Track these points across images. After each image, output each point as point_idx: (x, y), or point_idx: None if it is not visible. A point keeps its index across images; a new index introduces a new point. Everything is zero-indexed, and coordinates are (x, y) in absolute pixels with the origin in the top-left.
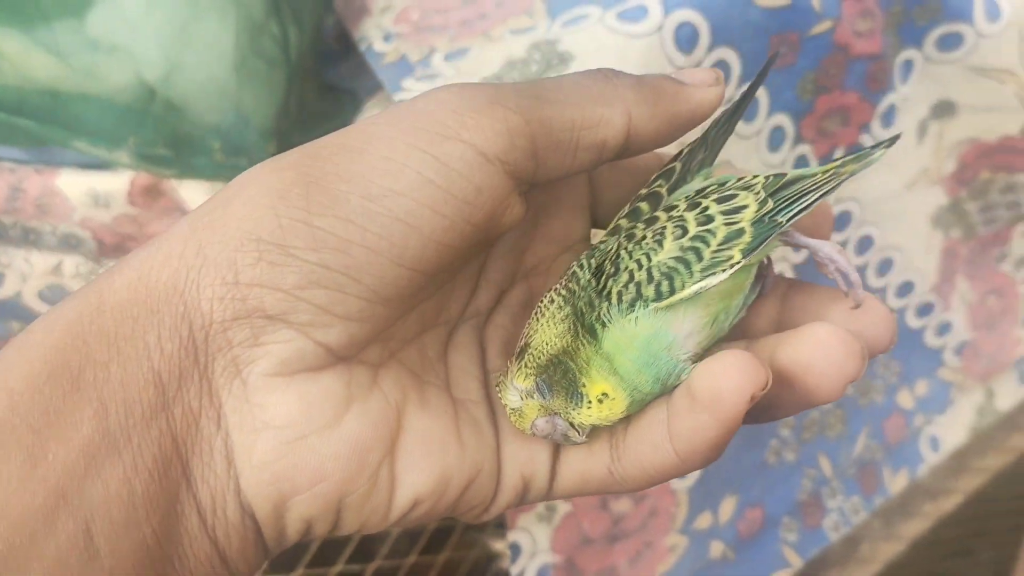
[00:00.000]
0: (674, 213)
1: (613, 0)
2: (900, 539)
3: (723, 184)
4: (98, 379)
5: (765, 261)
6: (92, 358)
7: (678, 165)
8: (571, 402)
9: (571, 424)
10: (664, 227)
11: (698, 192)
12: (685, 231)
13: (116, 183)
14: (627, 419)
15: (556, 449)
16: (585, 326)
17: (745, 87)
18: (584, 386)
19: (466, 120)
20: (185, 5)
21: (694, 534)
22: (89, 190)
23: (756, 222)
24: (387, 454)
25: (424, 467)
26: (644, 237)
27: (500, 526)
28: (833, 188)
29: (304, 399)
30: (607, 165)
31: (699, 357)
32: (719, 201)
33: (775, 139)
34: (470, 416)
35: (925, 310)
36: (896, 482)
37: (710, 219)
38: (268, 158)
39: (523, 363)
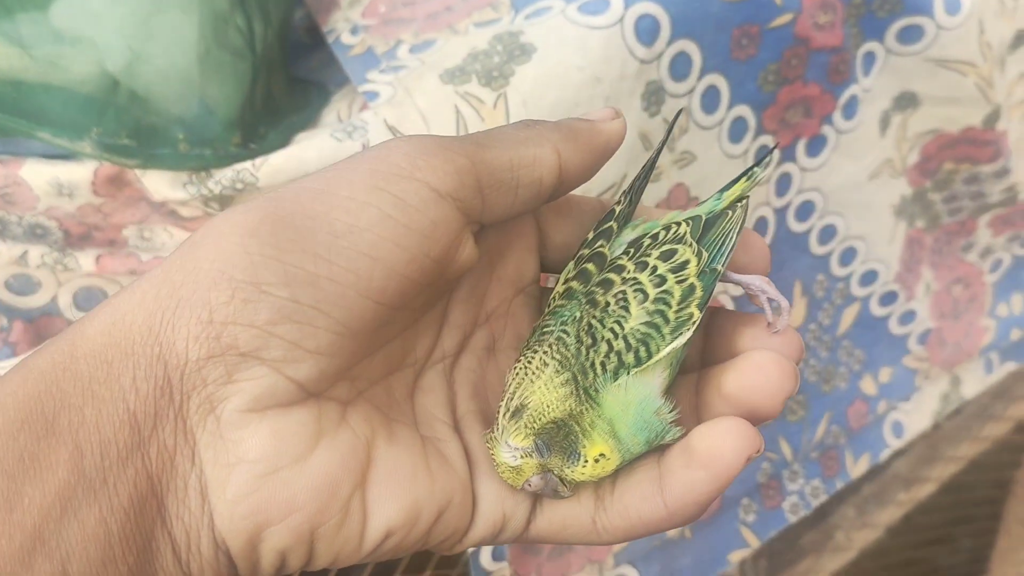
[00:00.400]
0: (626, 275)
1: None
2: (875, 527)
3: (654, 236)
4: (73, 423)
5: None
6: (67, 403)
7: (615, 225)
8: (568, 461)
9: (561, 480)
10: (624, 292)
11: (633, 245)
12: (646, 295)
13: (80, 173)
14: (614, 475)
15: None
16: (585, 391)
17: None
18: (584, 447)
19: (419, 162)
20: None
21: None
22: (53, 180)
23: (701, 275)
24: (358, 486)
25: (395, 497)
26: (608, 304)
27: None
28: (743, 219)
29: (276, 434)
30: (552, 210)
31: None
32: (663, 258)
33: (736, 130)
34: (439, 452)
35: (889, 299)
36: (858, 466)
37: (663, 279)
38: (233, 149)
39: (522, 423)
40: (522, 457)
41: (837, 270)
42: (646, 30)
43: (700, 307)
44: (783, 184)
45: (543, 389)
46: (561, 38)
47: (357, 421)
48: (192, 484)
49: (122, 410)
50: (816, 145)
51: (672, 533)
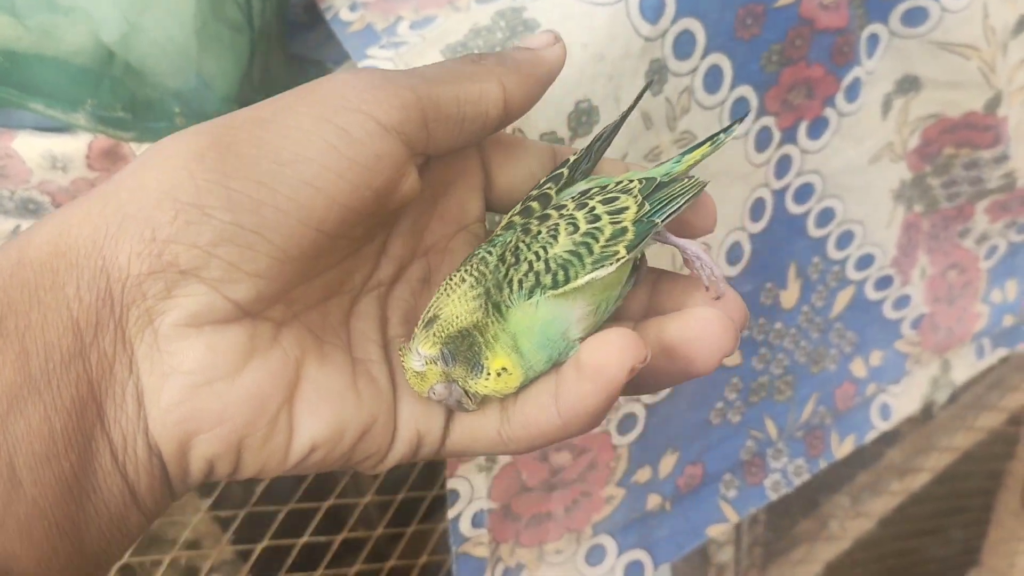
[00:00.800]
0: (564, 211)
1: None
2: (869, 516)
3: (604, 187)
4: (19, 326)
5: (640, 256)
6: (14, 307)
7: (566, 171)
8: (471, 372)
9: (466, 392)
10: (557, 224)
11: (582, 193)
12: (576, 228)
13: (74, 146)
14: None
15: (450, 410)
16: (495, 305)
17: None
18: (487, 359)
19: (365, 95)
20: None
21: (632, 487)
22: (46, 152)
23: (637, 222)
24: (285, 403)
25: (321, 415)
26: (540, 232)
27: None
28: (699, 186)
29: (210, 348)
30: (500, 152)
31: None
32: (604, 203)
33: (738, 110)
34: (368, 373)
35: (884, 283)
36: (843, 447)
37: (597, 218)
38: None
39: (431, 332)
40: (427, 364)
41: (834, 253)
42: (651, 7)
43: (628, 248)
44: (783, 166)
45: (455, 302)
46: (565, 14)
47: (289, 341)
48: (129, 391)
49: (66, 317)
50: (818, 127)
51: (651, 506)
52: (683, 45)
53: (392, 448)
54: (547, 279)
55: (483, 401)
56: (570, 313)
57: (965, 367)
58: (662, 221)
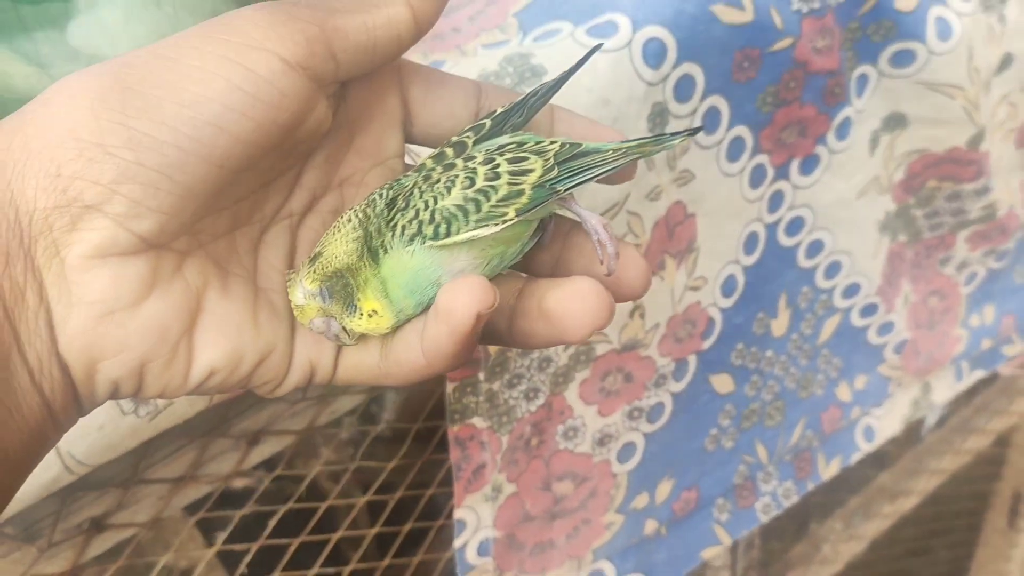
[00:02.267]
0: (469, 164)
1: (584, 16)
2: (861, 539)
3: (522, 144)
4: None
5: (549, 216)
6: None
7: (488, 122)
8: (346, 311)
9: (344, 328)
10: (456, 176)
11: (499, 147)
12: (473, 183)
13: None
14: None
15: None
16: (371, 250)
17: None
18: (359, 300)
19: (269, 33)
20: (164, 18)
21: (630, 513)
22: None
23: (537, 187)
24: (186, 331)
25: (219, 344)
26: (438, 181)
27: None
28: (619, 165)
29: (114, 280)
30: (420, 87)
31: None
32: (511, 162)
33: (734, 149)
34: (270, 303)
35: (869, 311)
36: (829, 469)
37: (497, 176)
38: None
39: (313, 269)
40: (306, 298)
41: (822, 283)
42: (653, 53)
43: (519, 211)
44: (776, 201)
45: (338, 241)
46: (570, 60)
47: (192, 272)
48: (41, 317)
49: None
50: (809, 164)
51: (648, 531)
52: (684, 88)
53: (288, 376)
54: (429, 229)
55: (362, 338)
56: (448, 264)
57: (945, 389)
58: (565, 190)
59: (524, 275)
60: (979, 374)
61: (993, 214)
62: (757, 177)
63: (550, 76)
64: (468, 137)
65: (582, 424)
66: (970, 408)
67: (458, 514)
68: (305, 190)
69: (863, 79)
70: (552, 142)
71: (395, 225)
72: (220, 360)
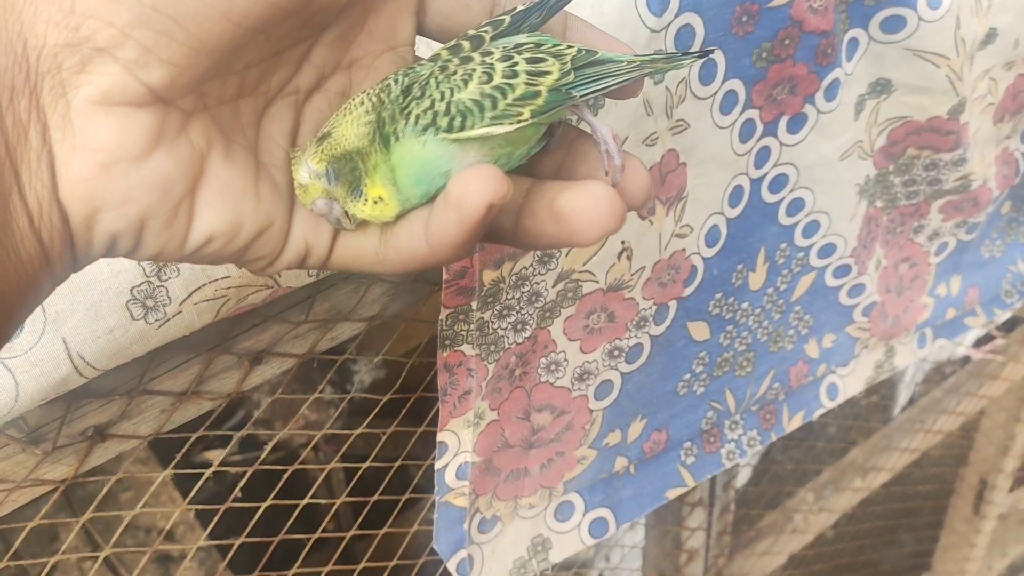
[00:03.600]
0: (487, 60)
1: None
2: (832, 511)
3: (540, 45)
4: None
5: (558, 122)
6: None
7: (507, 18)
8: (351, 195)
9: (346, 212)
10: (474, 69)
11: (517, 46)
12: (491, 78)
13: None
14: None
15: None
16: (383, 135)
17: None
18: (366, 186)
19: None
20: None
21: (603, 449)
22: None
23: (553, 90)
24: (188, 192)
25: (220, 209)
26: (455, 73)
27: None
28: (632, 78)
29: (120, 129)
30: None
31: None
32: (529, 61)
33: (727, 102)
34: (270, 177)
35: (842, 271)
36: (792, 422)
37: (515, 75)
38: None
39: (321, 148)
40: (311, 178)
41: (800, 240)
42: (657, 0)
43: (534, 113)
44: (762, 156)
45: (349, 123)
46: (576, 2)
47: (197, 133)
48: (43, 159)
49: None
50: (797, 123)
51: (618, 467)
52: (684, 38)
53: (283, 253)
54: (443, 121)
55: (362, 223)
56: (459, 159)
57: (907, 354)
58: (581, 96)
59: (530, 177)
60: (941, 343)
61: (967, 186)
62: (747, 132)
63: None
64: (486, 31)
65: (564, 359)
66: (941, 389)
67: (441, 437)
68: (314, 67)
69: (854, 43)
70: (569, 46)
71: (409, 113)
72: (220, 226)
